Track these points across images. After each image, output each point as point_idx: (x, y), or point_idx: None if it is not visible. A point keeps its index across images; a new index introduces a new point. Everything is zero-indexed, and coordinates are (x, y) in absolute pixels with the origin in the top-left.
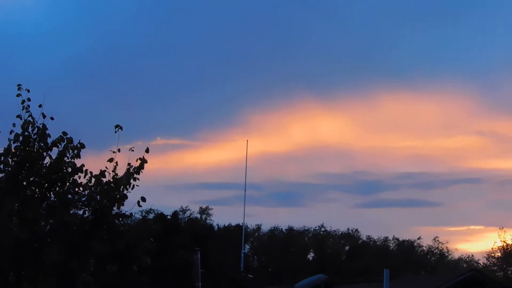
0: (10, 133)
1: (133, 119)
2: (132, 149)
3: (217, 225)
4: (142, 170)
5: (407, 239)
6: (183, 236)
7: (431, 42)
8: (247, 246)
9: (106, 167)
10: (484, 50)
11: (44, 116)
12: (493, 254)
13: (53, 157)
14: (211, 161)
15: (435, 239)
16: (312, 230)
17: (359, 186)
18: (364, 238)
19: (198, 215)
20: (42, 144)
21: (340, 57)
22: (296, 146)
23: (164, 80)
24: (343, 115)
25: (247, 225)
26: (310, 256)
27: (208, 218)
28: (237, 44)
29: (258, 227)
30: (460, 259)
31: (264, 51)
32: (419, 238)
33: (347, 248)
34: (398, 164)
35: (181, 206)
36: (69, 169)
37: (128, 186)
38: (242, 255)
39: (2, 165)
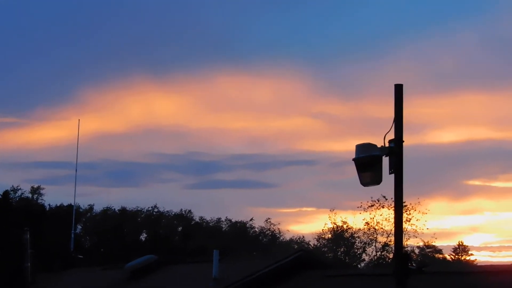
0: None
1: None
2: None
3: (49, 205)
4: None
5: (240, 220)
6: (14, 215)
7: (267, 26)
8: (79, 226)
9: None
10: (318, 34)
11: None
12: (323, 236)
13: None
14: (44, 139)
15: (267, 220)
16: (145, 210)
17: (193, 166)
18: (197, 219)
19: (30, 195)
20: None
21: (175, 37)
22: (131, 125)
23: None
24: (179, 95)
25: (79, 205)
26: (143, 236)
27: (40, 197)
28: (72, 19)
29: (91, 207)
30: (291, 240)
31: (100, 27)
32: (251, 219)
33: (180, 228)
34: (232, 145)
35: (12, 186)
36: None
37: None
38: (72, 235)
39: None
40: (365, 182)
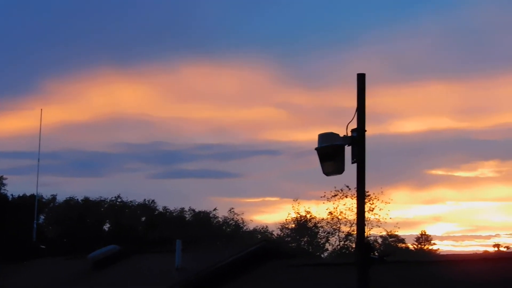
0: None
1: None
2: None
3: (12, 195)
4: None
5: (203, 210)
6: None
7: (231, 15)
8: (42, 217)
9: None
10: (282, 24)
11: None
12: (287, 226)
13: None
14: (7, 129)
15: (230, 210)
16: (108, 200)
17: (158, 156)
18: (161, 209)
19: None
20: None
21: (139, 25)
22: (95, 115)
23: None
24: (143, 85)
25: (42, 195)
26: (106, 227)
27: (3, 187)
28: (35, 9)
29: (54, 197)
30: (255, 230)
31: (63, 16)
32: (215, 209)
33: (143, 218)
34: (197, 135)
35: None
36: None
37: None
38: (35, 225)
39: None
40: (327, 172)
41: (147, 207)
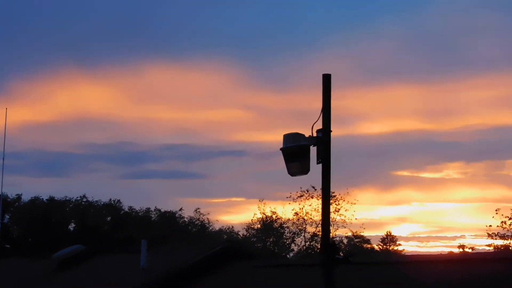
0: None
1: None
2: None
3: None
4: None
5: (169, 210)
6: None
7: (198, 17)
8: (7, 216)
9: None
10: (249, 25)
11: None
12: (253, 226)
13: None
14: None
15: (196, 210)
16: (74, 200)
17: (123, 156)
18: (126, 209)
19: None
20: None
21: (104, 26)
22: (60, 115)
23: None
24: (108, 85)
25: (7, 195)
26: (72, 226)
27: None
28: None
29: (19, 197)
30: (221, 230)
31: (28, 15)
32: (181, 209)
33: (109, 218)
34: (163, 136)
35: None
36: None
37: None
38: (0, 225)
39: None
40: (292, 172)
41: (113, 207)
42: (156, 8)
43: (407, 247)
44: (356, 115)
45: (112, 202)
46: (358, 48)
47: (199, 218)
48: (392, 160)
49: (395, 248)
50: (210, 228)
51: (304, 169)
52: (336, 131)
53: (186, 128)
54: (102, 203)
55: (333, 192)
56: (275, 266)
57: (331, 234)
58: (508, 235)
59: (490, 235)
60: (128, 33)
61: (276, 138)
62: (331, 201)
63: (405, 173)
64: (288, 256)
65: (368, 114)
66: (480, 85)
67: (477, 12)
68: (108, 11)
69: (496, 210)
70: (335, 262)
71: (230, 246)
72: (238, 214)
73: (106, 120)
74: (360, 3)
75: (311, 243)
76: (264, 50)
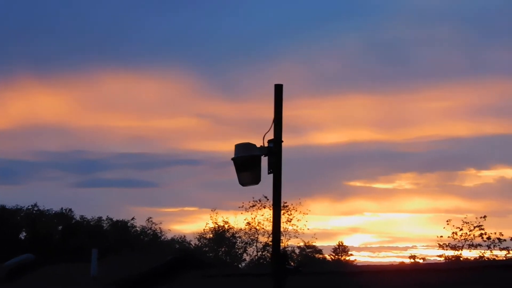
0: None
1: None
2: None
3: None
4: None
5: (121, 219)
6: None
7: (154, 25)
8: None
9: None
10: (204, 34)
11: None
12: (205, 236)
13: None
14: None
15: (148, 219)
16: (25, 209)
17: (76, 165)
18: (78, 218)
19: None
20: None
21: (59, 34)
22: (13, 122)
23: None
24: (63, 93)
25: None
26: (23, 235)
27: None
28: None
29: None
30: (173, 240)
31: None
32: (133, 218)
33: (60, 227)
34: (117, 144)
35: None
36: None
37: None
38: None
39: None
40: (244, 182)
41: (64, 216)
42: (110, 15)
43: (359, 257)
44: (310, 125)
45: (64, 211)
46: (313, 58)
47: (151, 228)
48: (346, 171)
49: (347, 258)
50: (162, 237)
51: (255, 179)
52: (289, 141)
53: (140, 136)
54: (53, 211)
55: (286, 202)
56: (227, 275)
57: (283, 244)
58: (459, 246)
59: (441, 246)
60: (84, 41)
61: (230, 147)
62: (283, 211)
63: (358, 183)
64: (240, 265)
65: (322, 124)
66: (434, 96)
67: (433, 23)
68: (63, 18)
69: (447, 221)
70: (286, 272)
71: (182, 256)
72: (191, 224)
73: (60, 128)
74: (316, 13)
75: (263, 253)
76: (218, 59)
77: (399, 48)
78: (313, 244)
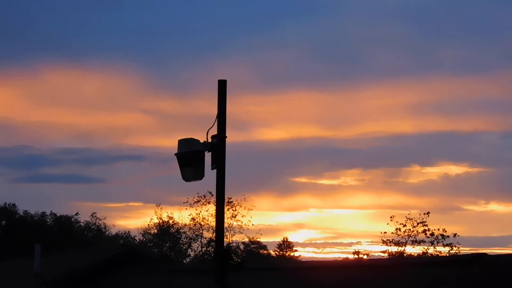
0: None
1: None
2: None
3: None
4: None
5: (65, 214)
6: None
7: (98, 21)
8: None
9: None
10: (150, 30)
11: None
12: (149, 231)
13: None
14: None
15: (92, 214)
16: None
17: (20, 160)
18: (21, 213)
19: None
20: None
21: (2, 27)
22: None
23: None
24: (5, 87)
25: None
26: None
27: None
28: None
29: None
30: (117, 235)
31: None
32: (77, 214)
33: (3, 223)
34: (61, 140)
35: None
36: None
37: None
38: None
39: None
40: (187, 178)
41: (7, 211)
42: (58, 11)
43: (304, 253)
44: (255, 121)
45: (7, 206)
46: (259, 54)
47: (95, 223)
48: (290, 167)
49: (292, 254)
50: (107, 232)
51: (198, 175)
52: (233, 137)
53: (86, 132)
54: None
55: (230, 198)
56: (170, 271)
57: (227, 240)
58: (403, 242)
59: (385, 242)
60: (27, 34)
61: (174, 143)
62: (228, 207)
63: (303, 179)
64: (184, 261)
65: (267, 120)
66: (379, 93)
67: (379, 21)
68: (6, 11)
69: (391, 217)
70: (229, 268)
71: (126, 251)
72: (135, 219)
73: (3, 123)
74: (262, 9)
75: (208, 249)
76: (164, 54)
77: (344, 46)
78: (258, 240)
